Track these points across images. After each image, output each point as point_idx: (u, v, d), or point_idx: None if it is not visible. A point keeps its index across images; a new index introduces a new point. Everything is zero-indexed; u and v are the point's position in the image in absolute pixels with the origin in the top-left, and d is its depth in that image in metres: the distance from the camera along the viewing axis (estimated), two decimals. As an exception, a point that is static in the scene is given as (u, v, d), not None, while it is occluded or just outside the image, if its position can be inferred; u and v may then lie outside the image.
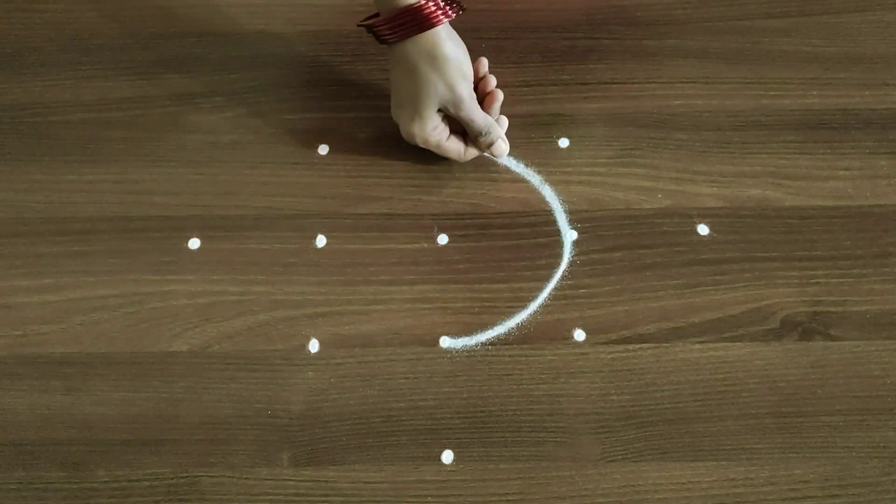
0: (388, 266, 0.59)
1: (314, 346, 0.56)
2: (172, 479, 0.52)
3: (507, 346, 0.56)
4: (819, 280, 0.58)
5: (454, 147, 0.60)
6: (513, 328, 0.57)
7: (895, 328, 0.56)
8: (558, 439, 0.53)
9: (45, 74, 0.67)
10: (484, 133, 0.59)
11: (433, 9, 0.54)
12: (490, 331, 0.57)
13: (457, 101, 0.57)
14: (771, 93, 0.66)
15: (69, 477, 0.52)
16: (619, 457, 0.53)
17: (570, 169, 0.63)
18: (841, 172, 0.62)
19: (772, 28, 0.69)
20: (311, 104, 0.66)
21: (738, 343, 0.56)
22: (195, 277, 0.59)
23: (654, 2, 0.70)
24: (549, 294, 0.58)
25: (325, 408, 0.54)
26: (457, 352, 0.56)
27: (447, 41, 0.55)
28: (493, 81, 0.60)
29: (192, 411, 0.54)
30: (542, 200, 0.62)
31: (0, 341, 0.56)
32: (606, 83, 0.66)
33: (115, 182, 0.62)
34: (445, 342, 0.56)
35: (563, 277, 0.58)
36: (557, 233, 0.60)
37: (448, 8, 0.55)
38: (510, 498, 0.52)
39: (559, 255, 0.59)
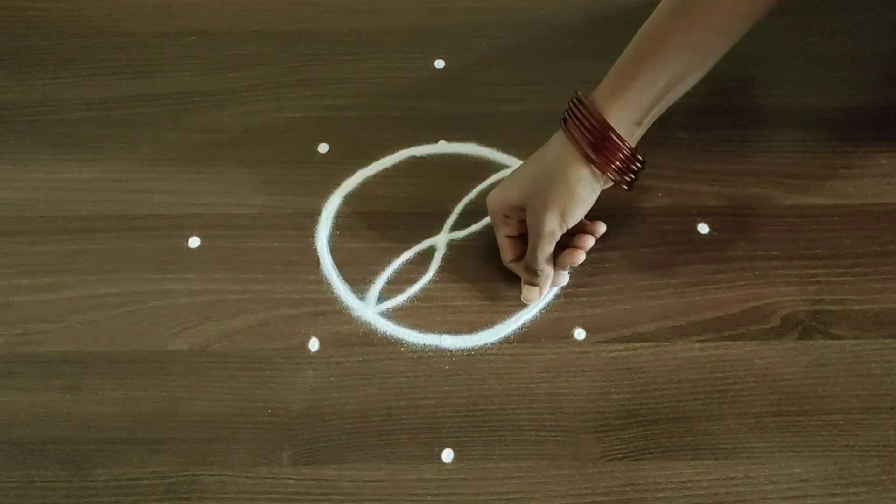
0: (389, 264, 0.59)
1: (314, 344, 0.56)
2: (172, 477, 0.52)
3: (507, 345, 0.56)
4: (819, 279, 0.58)
5: (507, 246, 0.56)
6: (513, 327, 0.57)
7: (895, 327, 0.56)
8: (558, 438, 0.53)
9: (44, 73, 0.67)
10: (534, 271, 0.55)
11: (618, 159, 0.52)
12: (490, 329, 0.57)
13: (539, 226, 0.52)
14: (771, 91, 0.66)
15: (69, 476, 0.52)
16: (620, 455, 0.52)
17: (570, 167, 0.62)
18: (841, 171, 0.62)
19: (772, 26, 0.68)
20: (310, 103, 0.66)
21: (739, 342, 0.56)
22: (195, 276, 0.58)
23: (654, 0, 0.70)
24: (550, 293, 0.58)
25: (325, 406, 0.54)
26: (457, 350, 0.56)
27: (588, 183, 0.52)
28: (589, 242, 0.56)
29: (192, 410, 0.54)
30: (543, 199, 0.61)
31: (0, 340, 0.56)
32: (607, 82, 0.66)
33: (115, 181, 0.62)
34: (446, 341, 0.56)
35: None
36: (558, 231, 0.60)
37: (626, 173, 0.53)
38: (510, 496, 0.51)
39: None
